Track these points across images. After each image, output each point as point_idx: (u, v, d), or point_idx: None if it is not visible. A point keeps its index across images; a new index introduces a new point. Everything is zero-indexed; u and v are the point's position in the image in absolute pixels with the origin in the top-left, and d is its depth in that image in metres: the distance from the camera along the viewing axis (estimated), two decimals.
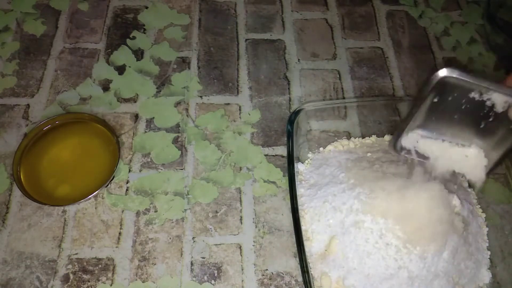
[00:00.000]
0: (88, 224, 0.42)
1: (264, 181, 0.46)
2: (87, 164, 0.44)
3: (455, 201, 0.38)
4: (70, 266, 0.40)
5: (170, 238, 0.42)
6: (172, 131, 0.48)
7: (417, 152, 0.36)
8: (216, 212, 0.44)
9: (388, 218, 0.37)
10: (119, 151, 0.44)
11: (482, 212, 0.43)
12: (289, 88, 0.52)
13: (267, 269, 0.41)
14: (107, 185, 0.44)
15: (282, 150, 0.48)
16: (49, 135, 0.45)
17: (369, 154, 0.44)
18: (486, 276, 0.40)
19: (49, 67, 0.52)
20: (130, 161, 0.46)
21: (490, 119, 0.31)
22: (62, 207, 0.43)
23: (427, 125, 0.34)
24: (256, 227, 0.43)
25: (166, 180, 0.45)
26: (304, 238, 0.39)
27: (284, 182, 0.46)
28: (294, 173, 0.40)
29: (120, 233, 0.42)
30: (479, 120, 0.32)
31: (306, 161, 0.46)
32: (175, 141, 0.48)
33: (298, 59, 0.55)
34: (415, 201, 0.36)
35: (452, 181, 0.43)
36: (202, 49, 0.55)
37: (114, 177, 0.44)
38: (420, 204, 0.36)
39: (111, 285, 0.40)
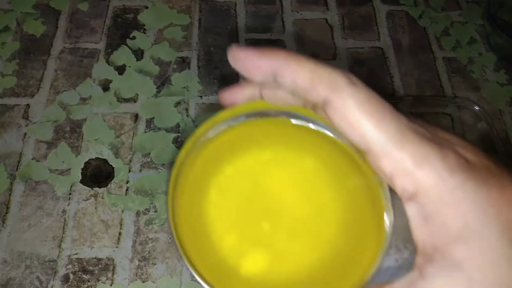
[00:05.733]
0: (88, 224, 0.42)
1: None
2: (311, 214, 0.21)
3: None
4: (70, 266, 0.40)
5: (170, 238, 0.42)
6: (172, 131, 0.48)
7: None
8: None
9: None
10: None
11: None
12: None
13: None
14: (107, 187, 0.44)
15: None
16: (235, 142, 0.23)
17: None
18: None
19: (49, 67, 0.52)
20: (130, 161, 0.46)
21: None
22: (61, 207, 0.43)
23: None
24: None
25: (166, 180, 0.45)
26: None
27: None
28: None
29: (120, 233, 0.42)
30: None
31: None
32: (175, 141, 0.48)
33: None
34: None
35: None
36: (202, 49, 0.55)
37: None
38: None
39: (111, 285, 0.40)
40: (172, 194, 0.21)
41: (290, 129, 0.22)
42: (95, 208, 0.43)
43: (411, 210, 0.17)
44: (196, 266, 0.21)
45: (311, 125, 0.21)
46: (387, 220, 0.20)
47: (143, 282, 0.40)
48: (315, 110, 0.19)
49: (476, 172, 0.16)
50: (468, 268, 0.16)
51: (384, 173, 0.17)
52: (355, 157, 0.18)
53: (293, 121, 0.22)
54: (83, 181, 0.45)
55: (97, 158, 0.46)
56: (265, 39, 0.56)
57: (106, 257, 0.41)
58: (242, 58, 0.19)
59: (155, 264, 0.41)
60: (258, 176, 0.22)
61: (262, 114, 0.22)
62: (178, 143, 0.47)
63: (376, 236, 0.20)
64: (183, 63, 0.53)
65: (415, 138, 0.16)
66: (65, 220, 0.42)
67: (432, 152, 0.16)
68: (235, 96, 0.22)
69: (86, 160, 0.46)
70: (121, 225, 0.43)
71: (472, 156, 0.17)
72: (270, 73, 0.19)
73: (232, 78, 0.52)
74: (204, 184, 0.22)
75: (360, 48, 0.56)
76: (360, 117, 0.17)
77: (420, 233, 0.17)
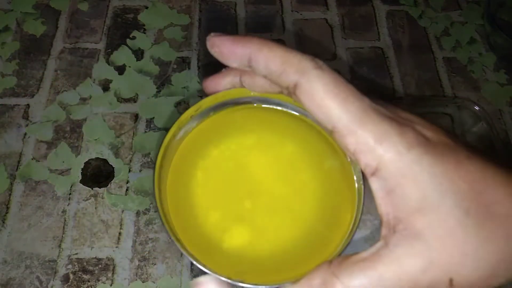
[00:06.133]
0: (88, 224, 0.42)
1: None
2: (290, 193, 0.23)
3: None
4: (70, 266, 0.40)
5: (170, 238, 0.42)
6: None
7: None
8: None
9: None
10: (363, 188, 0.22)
11: None
12: None
13: None
14: (108, 186, 0.44)
15: None
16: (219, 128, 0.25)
17: None
18: None
19: (49, 67, 0.52)
20: (130, 161, 0.46)
21: None
22: (61, 207, 0.43)
23: None
24: None
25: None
26: None
27: None
28: None
29: (120, 233, 0.42)
30: None
31: None
32: None
33: None
34: None
35: None
36: (202, 49, 0.55)
37: None
38: None
39: (111, 285, 0.40)
40: (159, 174, 0.22)
41: (273, 114, 0.25)
42: (95, 208, 0.43)
43: (374, 185, 0.18)
44: (180, 239, 0.22)
45: (291, 111, 0.24)
46: (359, 197, 0.22)
47: (143, 282, 0.40)
48: (291, 96, 0.20)
49: (433, 147, 0.17)
50: (427, 237, 0.16)
51: (349, 150, 0.18)
52: (331, 139, 0.20)
53: (276, 107, 0.24)
54: (83, 181, 0.45)
55: (97, 158, 0.46)
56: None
57: (106, 257, 0.41)
58: (219, 45, 0.22)
59: (155, 264, 0.41)
60: (242, 159, 0.24)
61: (244, 102, 0.24)
62: None
63: (350, 212, 0.22)
64: (183, 63, 0.53)
65: (377, 117, 0.17)
66: (65, 220, 0.42)
67: (392, 129, 0.17)
68: (217, 83, 0.24)
69: (86, 160, 0.46)
70: (121, 225, 0.43)
71: (431, 134, 0.18)
72: (245, 58, 0.21)
73: None
74: (191, 166, 0.24)
75: (360, 48, 0.56)
76: (326, 97, 0.18)
77: (383, 206, 0.18)
